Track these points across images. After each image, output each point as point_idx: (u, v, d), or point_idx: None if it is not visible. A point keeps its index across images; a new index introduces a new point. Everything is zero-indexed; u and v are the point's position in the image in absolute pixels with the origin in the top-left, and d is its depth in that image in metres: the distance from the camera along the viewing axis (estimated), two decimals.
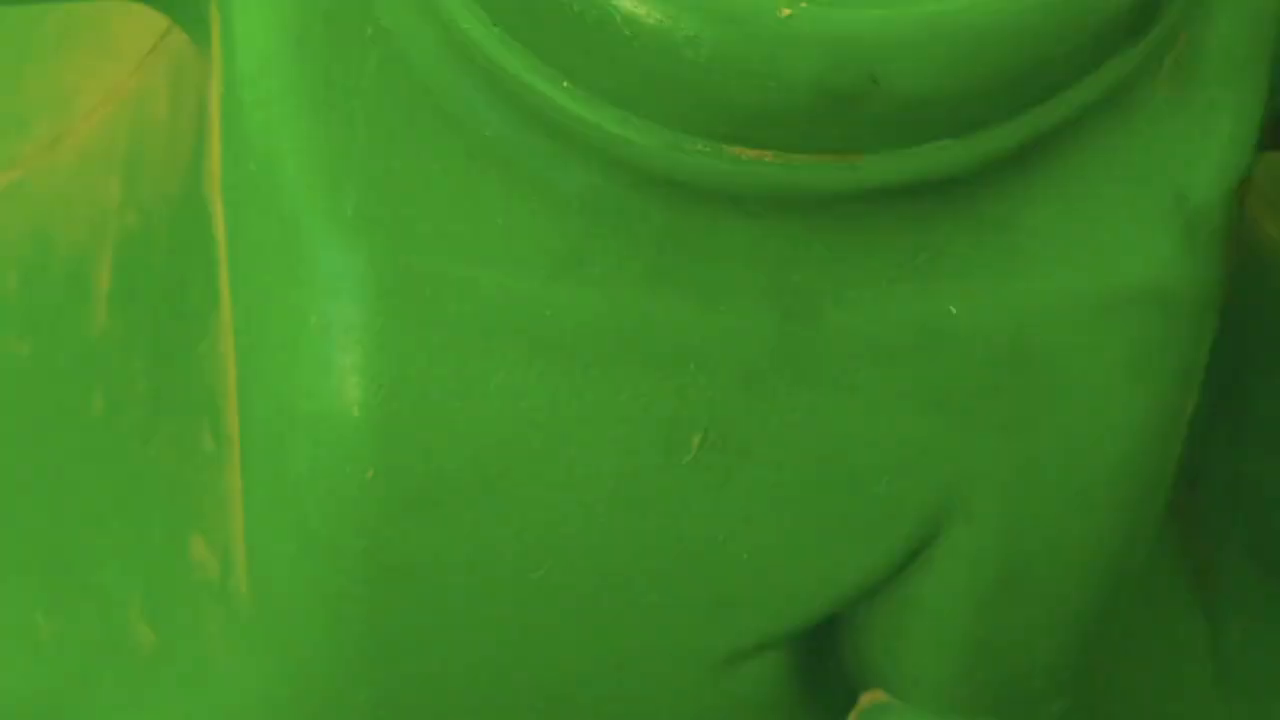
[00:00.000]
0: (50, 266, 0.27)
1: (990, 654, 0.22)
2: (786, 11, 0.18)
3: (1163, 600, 0.27)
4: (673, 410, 0.20)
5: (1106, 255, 0.20)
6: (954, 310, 0.20)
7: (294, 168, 0.20)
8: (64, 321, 0.26)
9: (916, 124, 0.19)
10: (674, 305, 0.20)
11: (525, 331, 0.20)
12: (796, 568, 0.21)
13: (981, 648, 0.22)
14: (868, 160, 0.19)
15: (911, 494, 0.21)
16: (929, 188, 0.20)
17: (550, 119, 0.19)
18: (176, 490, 0.24)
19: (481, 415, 0.20)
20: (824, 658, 0.22)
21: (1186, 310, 0.21)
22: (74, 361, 0.26)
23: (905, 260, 0.20)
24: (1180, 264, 0.21)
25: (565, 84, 0.19)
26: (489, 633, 0.21)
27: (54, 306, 0.27)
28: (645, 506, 0.20)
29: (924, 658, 0.22)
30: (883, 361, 0.20)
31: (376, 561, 0.21)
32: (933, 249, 0.20)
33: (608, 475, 0.20)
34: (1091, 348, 0.21)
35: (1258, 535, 0.28)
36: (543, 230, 0.20)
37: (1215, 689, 0.28)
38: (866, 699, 0.23)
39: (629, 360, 0.20)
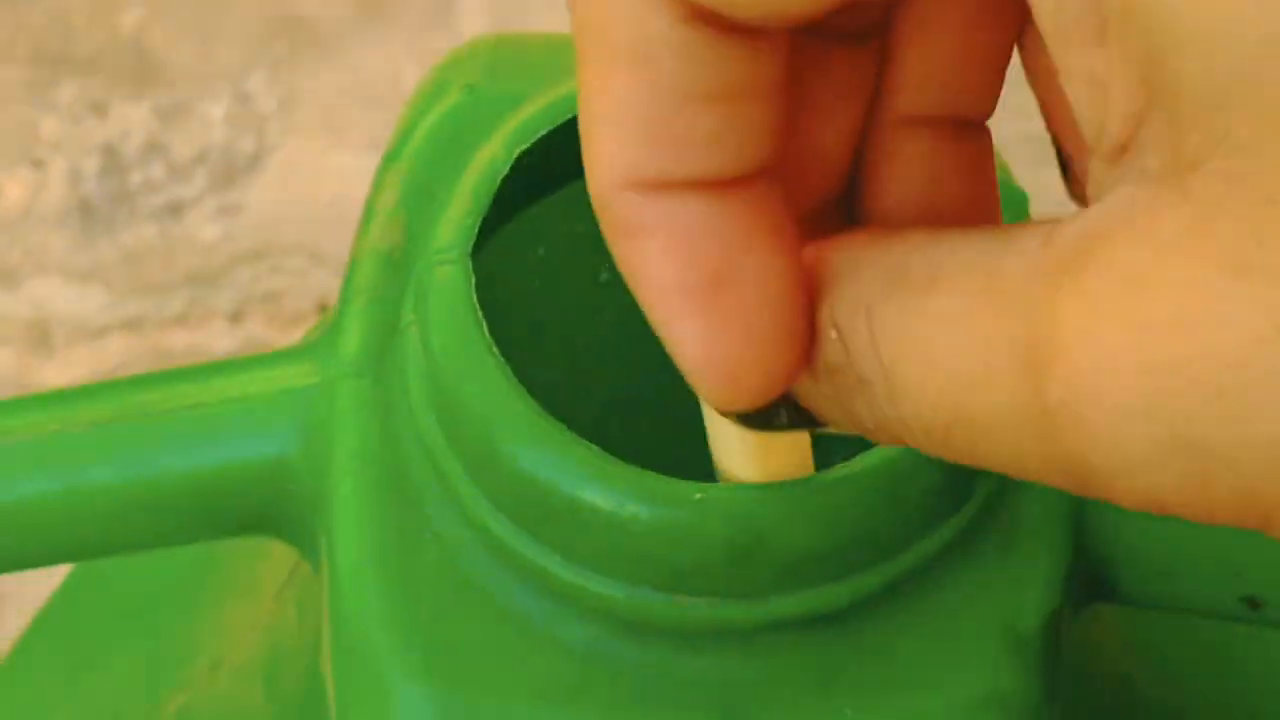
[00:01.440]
0: None
1: None
2: (699, 495, 0.26)
3: None
4: None
5: (957, 671, 0.28)
6: (849, 712, 0.28)
7: (378, 635, 0.28)
8: None
9: (801, 571, 0.27)
10: (652, 716, 0.28)
11: None
12: None
13: None
14: (771, 600, 0.27)
15: None
16: (823, 621, 0.28)
17: (553, 588, 0.28)
18: None
19: None
20: None
21: (1020, 709, 0.28)
22: None
23: (811, 678, 0.28)
24: (1012, 676, 0.28)
25: (559, 558, 0.27)
26: None
27: None
28: None
29: None
30: None
31: None
32: (831, 669, 0.28)
33: None
34: None
35: None
36: (554, 670, 0.28)
37: None
38: None
39: None
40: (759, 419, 0.23)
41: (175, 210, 0.68)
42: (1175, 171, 0.18)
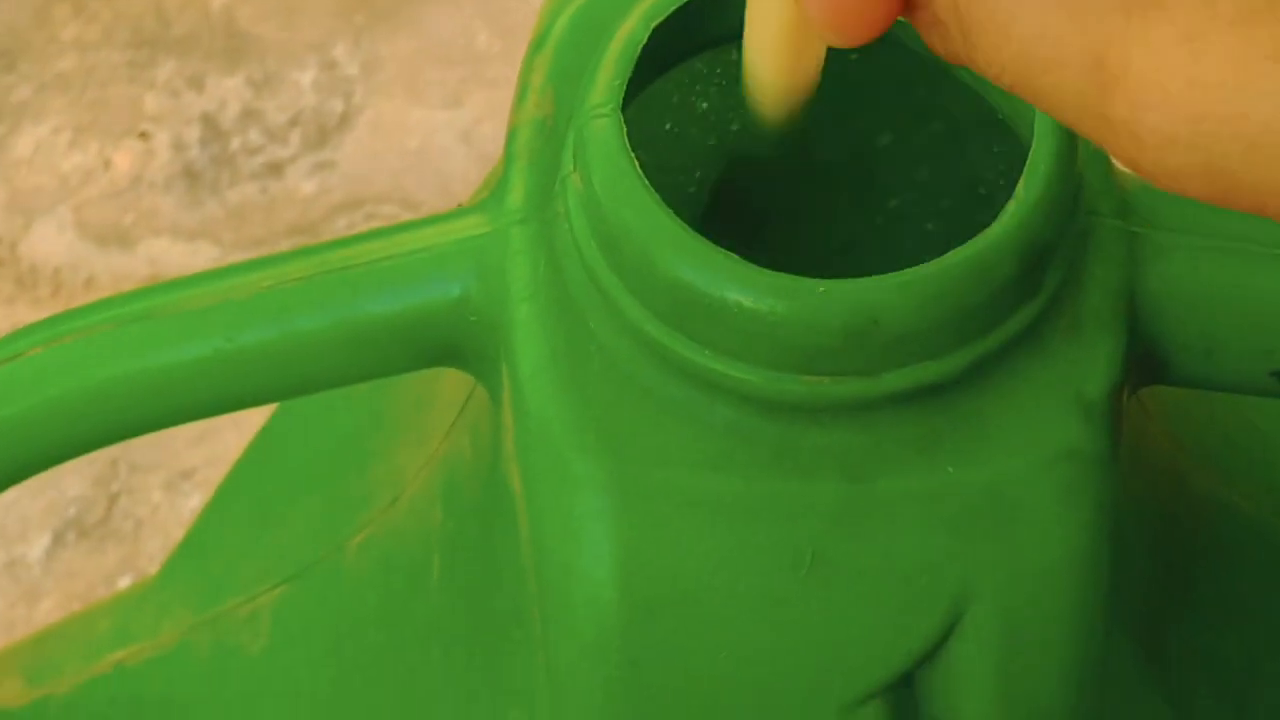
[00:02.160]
0: (396, 578, 0.41)
1: (1012, 700, 0.35)
2: (821, 289, 0.32)
3: None
4: (792, 543, 0.34)
5: (1040, 433, 0.34)
6: (951, 470, 0.34)
7: (557, 423, 0.34)
8: (408, 609, 0.41)
9: (906, 350, 0.33)
10: (786, 481, 0.34)
11: (700, 504, 0.34)
12: (877, 639, 0.34)
13: (1004, 696, 0.35)
14: (883, 377, 0.33)
15: (941, 586, 0.34)
16: (926, 394, 0.34)
17: (699, 376, 0.33)
18: (495, 683, 0.38)
19: (680, 558, 0.34)
20: (912, 714, 0.35)
21: (1092, 462, 0.34)
22: (418, 633, 0.40)
23: (918, 442, 0.34)
24: (1084, 436, 0.34)
25: (707, 351, 0.33)
26: (697, 695, 0.34)
27: (400, 602, 0.41)
28: (783, 604, 0.34)
29: (969, 706, 0.35)
30: (912, 505, 0.34)
31: (626, 656, 0.34)
32: (935, 434, 0.34)
33: (759, 585, 0.34)
34: (1037, 488, 0.34)
35: (1217, 672, 0.40)
36: (703, 445, 0.34)
37: None
38: None
39: (764, 515, 0.34)
40: None
41: (274, 169, 0.74)
42: None
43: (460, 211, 0.36)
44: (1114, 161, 0.36)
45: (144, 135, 0.76)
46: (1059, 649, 0.35)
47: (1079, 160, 0.34)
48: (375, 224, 0.73)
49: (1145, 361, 0.36)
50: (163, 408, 0.37)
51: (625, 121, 0.34)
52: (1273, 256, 0.35)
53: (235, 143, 0.75)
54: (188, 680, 0.43)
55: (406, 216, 0.73)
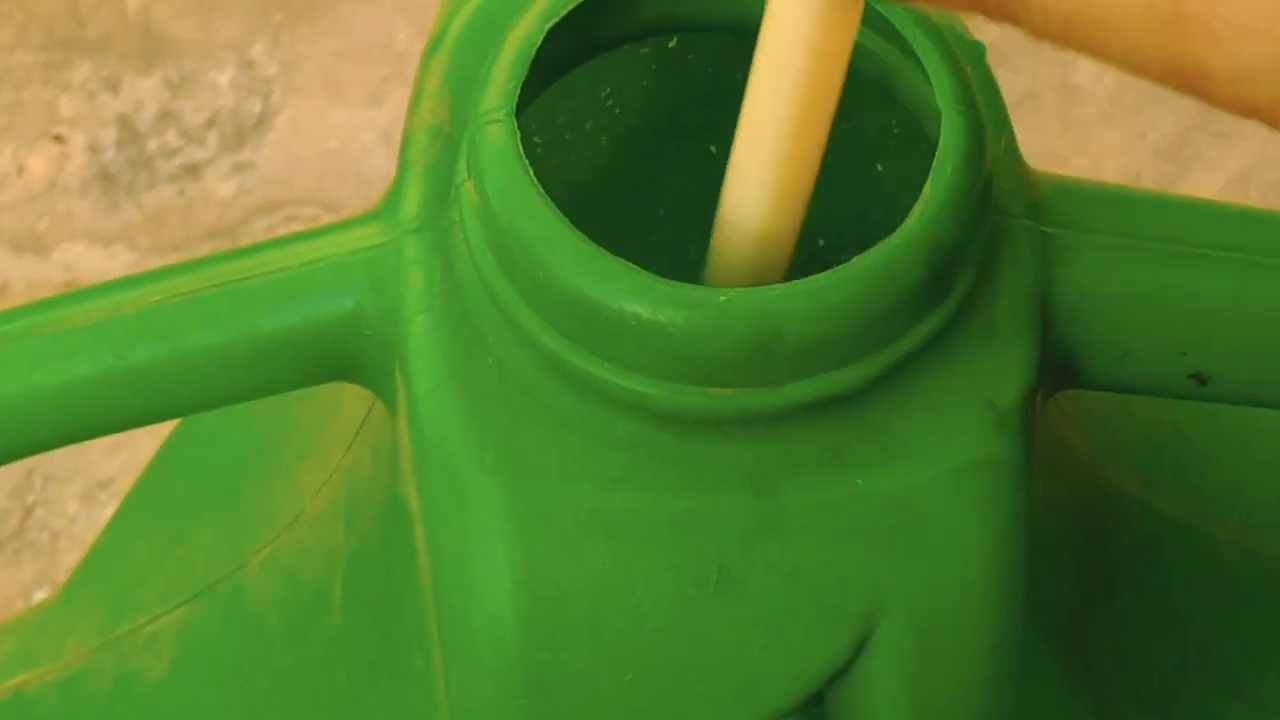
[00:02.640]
0: (300, 599, 0.40)
1: (926, 715, 0.34)
2: (723, 298, 0.31)
3: None
4: (698, 560, 0.33)
5: (951, 442, 0.33)
6: (860, 481, 0.33)
7: (454, 440, 0.33)
8: (312, 632, 0.39)
9: (811, 360, 0.32)
10: (691, 496, 0.33)
11: (602, 523, 0.33)
12: (787, 657, 0.33)
13: (919, 710, 0.34)
14: (788, 387, 0.32)
15: (851, 601, 0.33)
16: (833, 404, 0.33)
17: (600, 390, 0.32)
18: (400, 707, 0.37)
19: (583, 578, 0.33)
20: None
21: (1006, 470, 0.33)
22: (322, 655, 0.39)
23: (827, 454, 0.33)
24: (997, 444, 0.33)
25: (607, 365, 0.32)
26: (604, 716, 0.33)
27: (304, 625, 0.40)
28: (689, 623, 0.33)
29: None
30: (821, 518, 0.33)
31: (528, 681, 0.33)
32: (843, 445, 0.33)
33: (664, 604, 0.33)
34: (949, 499, 0.33)
35: (1141, 677, 0.39)
36: (605, 461, 0.33)
37: None
38: None
39: (668, 533, 0.33)
40: None
41: (192, 171, 0.73)
42: None
43: (353, 221, 0.35)
44: (1025, 162, 0.35)
45: (59, 138, 0.75)
46: (974, 663, 0.34)
47: (988, 160, 0.33)
48: (296, 226, 0.72)
49: (1059, 366, 0.35)
50: (51, 428, 0.35)
51: (520, 127, 0.33)
52: (1188, 255, 0.34)
53: (152, 145, 0.74)
54: (89, 708, 0.42)
55: (328, 219, 0.72)
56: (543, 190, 0.32)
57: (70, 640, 0.45)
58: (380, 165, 0.72)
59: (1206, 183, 0.72)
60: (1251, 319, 0.34)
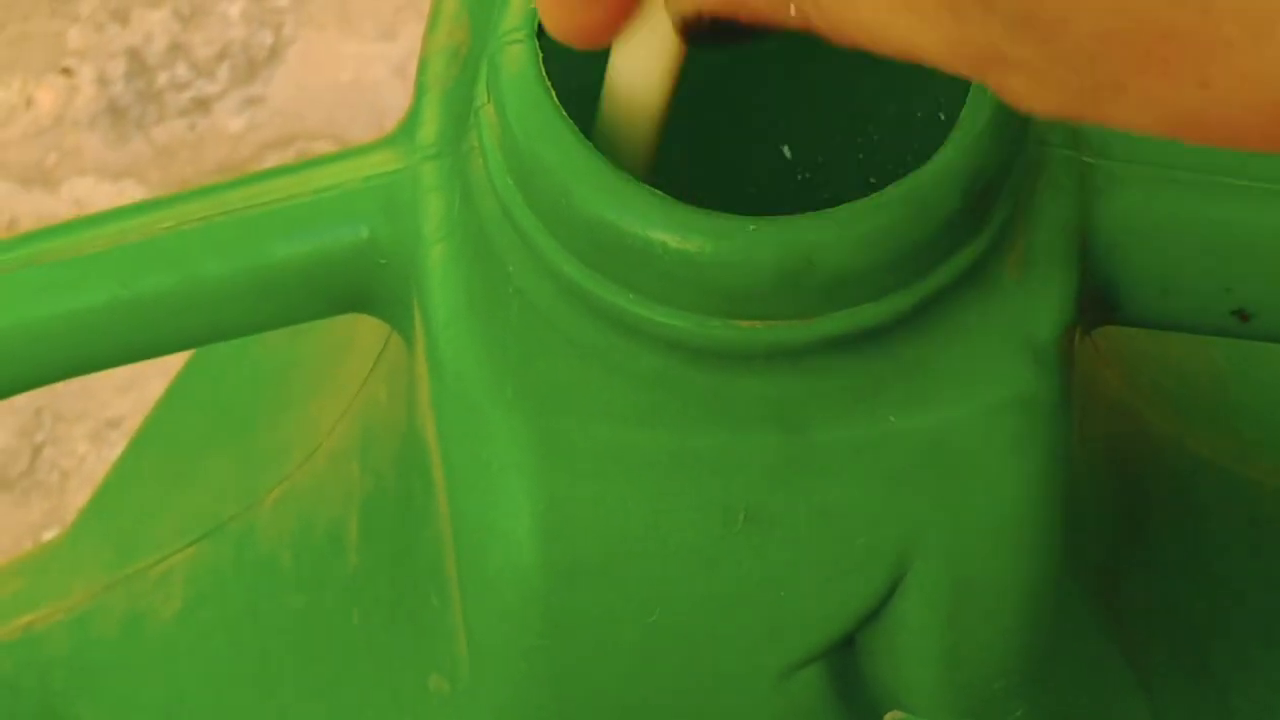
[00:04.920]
0: (314, 538, 0.39)
1: (959, 659, 0.33)
2: (752, 227, 0.30)
3: (1103, 682, 0.37)
4: (724, 499, 0.32)
5: (987, 379, 0.32)
6: (893, 419, 0.32)
7: (472, 373, 0.32)
8: (326, 571, 0.38)
9: (842, 291, 0.31)
10: (717, 433, 0.32)
11: (625, 459, 0.32)
12: (816, 599, 0.32)
13: (951, 655, 0.33)
14: (818, 320, 0.31)
15: (884, 542, 0.32)
16: (865, 338, 0.31)
17: (624, 322, 0.31)
18: (416, 647, 0.36)
19: (605, 515, 0.32)
20: (853, 678, 0.33)
21: (1042, 409, 0.32)
22: (336, 595, 0.38)
23: (857, 391, 0.32)
24: (1034, 382, 0.32)
25: (631, 295, 0.31)
26: (625, 662, 0.32)
27: (318, 564, 0.39)
28: (715, 563, 0.32)
29: (914, 666, 0.33)
30: (852, 456, 0.32)
31: (548, 620, 0.32)
32: (874, 383, 0.32)
33: (689, 544, 0.32)
34: (985, 438, 0.32)
35: (1174, 624, 0.38)
36: (629, 396, 0.32)
37: None
38: (889, 717, 0.34)
39: (693, 471, 0.32)
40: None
41: (202, 105, 0.72)
42: None
43: (368, 147, 0.34)
44: None
45: (67, 71, 0.74)
46: (1009, 606, 0.33)
47: None
48: None
49: (1098, 301, 0.34)
50: (55, 360, 0.34)
51: (542, 48, 0.31)
52: (1233, 187, 0.33)
53: (162, 78, 0.73)
54: (98, 646, 0.41)
55: None
56: (566, 113, 0.31)
57: (78, 580, 0.44)
58: (394, 99, 0.70)
59: None
60: None
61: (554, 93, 0.31)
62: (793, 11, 0.24)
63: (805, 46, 0.31)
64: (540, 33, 0.32)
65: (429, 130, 0.33)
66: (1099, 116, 0.22)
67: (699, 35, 0.26)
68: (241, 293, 0.34)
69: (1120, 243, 0.33)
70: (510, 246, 0.32)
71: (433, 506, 0.34)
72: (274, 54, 0.73)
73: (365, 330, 0.38)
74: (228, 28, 0.74)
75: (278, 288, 0.34)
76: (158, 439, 0.45)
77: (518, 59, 0.31)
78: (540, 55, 0.31)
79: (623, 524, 0.32)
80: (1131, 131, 0.22)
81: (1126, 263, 0.33)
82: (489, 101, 0.32)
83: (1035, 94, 0.23)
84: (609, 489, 0.32)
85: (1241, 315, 0.34)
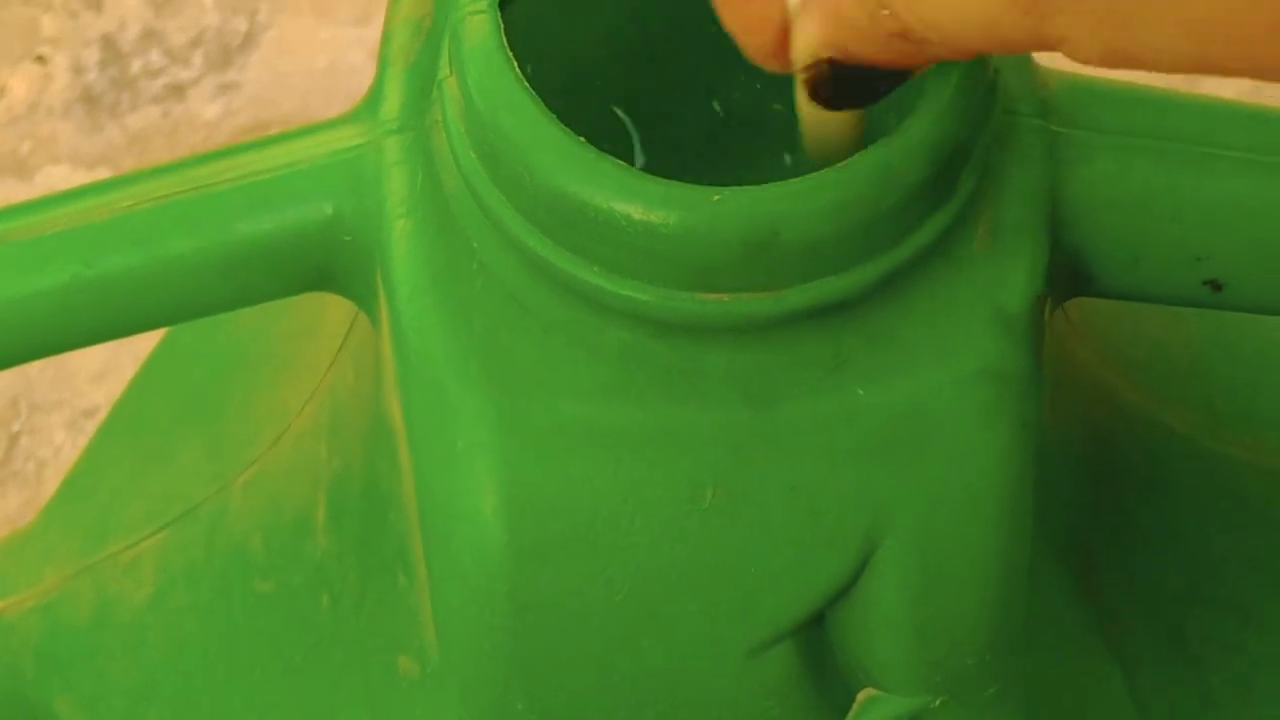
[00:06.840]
0: (282, 522, 0.39)
1: (931, 635, 0.33)
2: (716, 197, 0.30)
3: (1078, 657, 0.37)
4: (692, 475, 0.31)
5: (955, 351, 0.32)
6: (861, 392, 0.32)
7: (437, 351, 0.32)
8: (295, 555, 0.38)
9: (809, 263, 0.30)
10: (684, 408, 0.31)
11: (592, 436, 0.31)
12: (786, 576, 0.32)
13: (923, 631, 0.32)
14: (785, 293, 0.31)
15: (853, 517, 0.32)
16: (832, 310, 0.31)
17: (589, 296, 0.31)
18: (385, 630, 0.36)
19: (571, 493, 0.31)
20: (824, 656, 0.33)
21: (1012, 380, 0.32)
22: (305, 579, 0.38)
23: (825, 364, 0.32)
24: (1003, 353, 0.32)
25: (596, 269, 0.31)
26: (592, 641, 0.32)
27: (287, 548, 0.38)
28: (682, 541, 0.32)
29: (885, 643, 0.33)
30: (820, 430, 0.31)
31: (515, 600, 0.32)
32: (842, 355, 0.32)
33: (656, 521, 0.31)
34: (954, 410, 0.32)
35: (1150, 600, 0.38)
36: (595, 371, 0.31)
37: None
38: (862, 695, 0.33)
39: (661, 446, 0.31)
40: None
41: (176, 91, 0.72)
42: None
43: (332, 123, 0.34)
44: (1034, 59, 0.34)
45: (41, 59, 0.73)
46: (981, 582, 0.32)
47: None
48: None
49: (1068, 272, 0.33)
50: (19, 341, 0.34)
51: (504, 19, 0.31)
52: (1205, 156, 0.33)
53: (136, 65, 0.72)
54: (70, 633, 0.41)
55: None
56: (528, 85, 0.30)
57: (48, 567, 0.43)
58: (369, 84, 0.70)
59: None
60: (1270, 223, 0.33)
61: (516, 63, 0.30)
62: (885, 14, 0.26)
63: None
64: (502, 3, 0.31)
65: (392, 104, 0.33)
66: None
67: (825, 93, 0.29)
68: (206, 271, 0.33)
69: (1090, 212, 0.33)
70: (474, 221, 0.32)
71: (400, 487, 0.34)
72: (249, 40, 0.72)
73: (333, 310, 0.38)
74: (202, 14, 0.73)
75: (243, 265, 0.33)
76: (127, 424, 0.45)
77: (479, 29, 0.31)
78: (501, 26, 0.31)
79: (589, 501, 0.31)
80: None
81: (1096, 232, 0.33)
82: (451, 73, 0.31)
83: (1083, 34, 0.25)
84: (575, 466, 0.31)
85: (1214, 285, 0.33)
